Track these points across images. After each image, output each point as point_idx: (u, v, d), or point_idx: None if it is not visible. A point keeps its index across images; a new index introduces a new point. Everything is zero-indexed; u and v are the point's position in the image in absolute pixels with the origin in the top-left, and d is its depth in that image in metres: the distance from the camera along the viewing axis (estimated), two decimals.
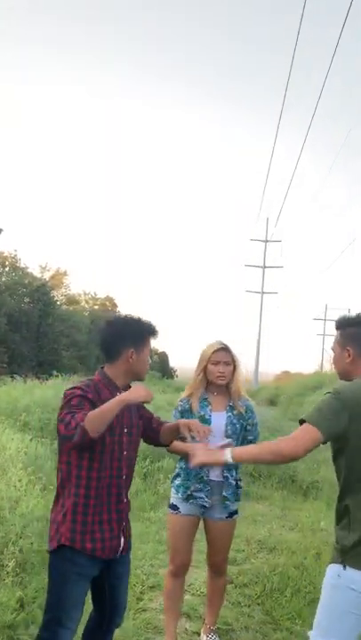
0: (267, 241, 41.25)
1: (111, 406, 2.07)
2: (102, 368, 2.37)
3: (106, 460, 2.23)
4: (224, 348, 3.04)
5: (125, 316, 2.43)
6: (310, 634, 2.18)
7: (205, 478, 2.98)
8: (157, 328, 2.42)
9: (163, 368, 46.95)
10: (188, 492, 3.00)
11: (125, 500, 2.35)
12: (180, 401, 3.11)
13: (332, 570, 2.15)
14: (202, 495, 2.98)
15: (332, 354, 2.42)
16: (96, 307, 52.37)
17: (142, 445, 7.85)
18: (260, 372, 45.54)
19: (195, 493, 2.99)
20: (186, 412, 3.04)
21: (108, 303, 54.52)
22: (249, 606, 3.70)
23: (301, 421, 2.08)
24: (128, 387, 2.35)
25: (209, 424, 2.96)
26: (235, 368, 3.07)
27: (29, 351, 31.91)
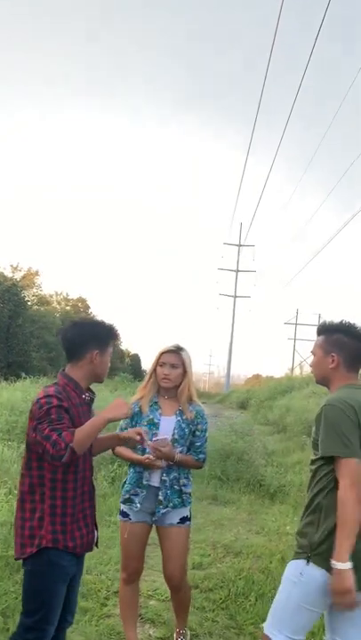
0: (240, 245, 41.58)
1: (97, 426, 2.18)
2: (64, 370, 2.37)
3: (80, 463, 2.28)
4: (173, 351, 3.00)
5: (90, 319, 2.47)
6: (264, 625, 2.22)
7: (145, 483, 2.95)
8: (119, 332, 2.46)
9: (135, 370, 46.74)
10: (126, 496, 2.98)
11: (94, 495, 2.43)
12: (132, 404, 3.05)
13: (295, 567, 2.19)
14: (135, 500, 2.95)
15: (310, 357, 2.43)
16: (68, 307, 51.90)
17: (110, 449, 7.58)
18: (232, 375, 45.81)
19: (132, 497, 2.97)
20: (136, 415, 3.00)
21: (80, 304, 54.06)
22: (213, 611, 3.70)
23: (329, 456, 2.11)
24: (88, 389, 2.40)
25: (157, 428, 2.95)
26: (185, 372, 3.02)
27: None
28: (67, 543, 2.23)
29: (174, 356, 2.99)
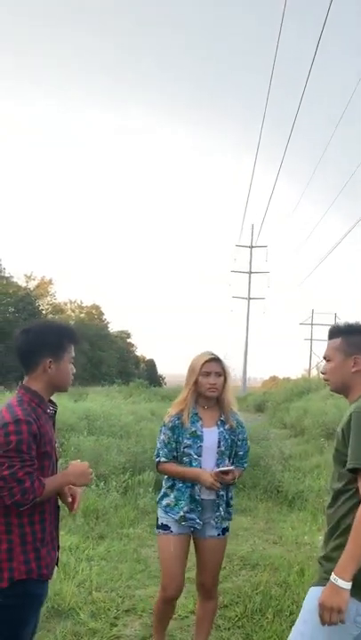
0: (252, 247, 41.36)
1: (62, 486, 2.12)
2: (23, 383, 2.16)
3: None
4: (215, 359, 2.91)
5: (43, 323, 2.26)
6: None
7: (198, 498, 2.85)
8: (78, 334, 2.24)
9: (150, 376, 46.67)
10: (182, 514, 2.85)
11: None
12: (170, 417, 2.94)
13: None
14: (193, 516, 2.85)
15: (323, 362, 2.21)
16: (82, 315, 52.05)
17: (122, 458, 7.53)
18: (249, 377, 45.58)
19: (187, 515, 2.85)
20: (177, 428, 2.90)
21: (94, 311, 54.23)
22: (229, 630, 3.51)
23: (354, 470, 1.90)
24: (50, 400, 2.21)
25: (201, 440, 2.87)
26: (225, 379, 2.94)
27: (14, 361, 31.55)
28: (41, 571, 2.05)
29: (218, 365, 2.91)
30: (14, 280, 40.11)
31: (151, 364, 56.87)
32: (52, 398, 2.24)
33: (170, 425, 2.92)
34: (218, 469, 2.79)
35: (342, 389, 2.16)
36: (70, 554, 4.56)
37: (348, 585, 1.82)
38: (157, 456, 2.95)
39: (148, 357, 59.15)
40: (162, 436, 2.94)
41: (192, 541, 2.98)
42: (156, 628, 3.08)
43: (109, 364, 47.21)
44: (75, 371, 2.22)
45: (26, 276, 44.68)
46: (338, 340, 2.16)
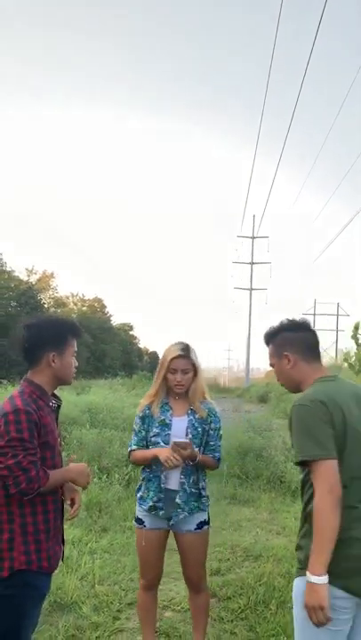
0: (253, 237, 41.25)
1: (64, 480, 2.16)
2: (27, 376, 2.20)
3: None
4: (183, 355, 2.86)
5: (45, 318, 2.30)
6: None
7: (162, 487, 2.82)
8: (81, 328, 2.29)
9: (154, 368, 46.49)
10: (151, 504, 2.84)
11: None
12: (141, 407, 2.96)
13: (298, 586, 1.99)
14: (160, 505, 2.83)
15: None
16: (84, 308, 52.02)
17: (124, 450, 7.49)
18: (252, 368, 45.53)
19: (156, 504, 2.83)
20: (147, 418, 2.91)
21: (96, 304, 54.17)
22: (232, 622, 3.50)
23: (303, 461, 1.91)
24: (54, 395, 2.25)
25: (169, 429, 2.86)
26: (195, 373, 2.91)
27: (18, 356, 31.54)
28: (41, 563, 2.06)
29: (185, 361, 2.86)
30: (16, 274, 40.06)
31: (154, 357, 56.80)
32: (55, 393, 2.27)
33: (140, 415, 2.94)
34: (174, 440, 2.74)
35: (294, 387, 2.21)
36: (73, 547, 4.55)
37: (321, 579, 1.79)
38: (130, 445, 2.97)
39: (151, 349, 59.21)
40: (134, 426, 2.97)
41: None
42: (143, 623, 3.04)
43: (113, 356, 47.21)
44: (77, 364, 2.26)
45: (27, 270, 44.63)
46: (270, 347, 2.25)
